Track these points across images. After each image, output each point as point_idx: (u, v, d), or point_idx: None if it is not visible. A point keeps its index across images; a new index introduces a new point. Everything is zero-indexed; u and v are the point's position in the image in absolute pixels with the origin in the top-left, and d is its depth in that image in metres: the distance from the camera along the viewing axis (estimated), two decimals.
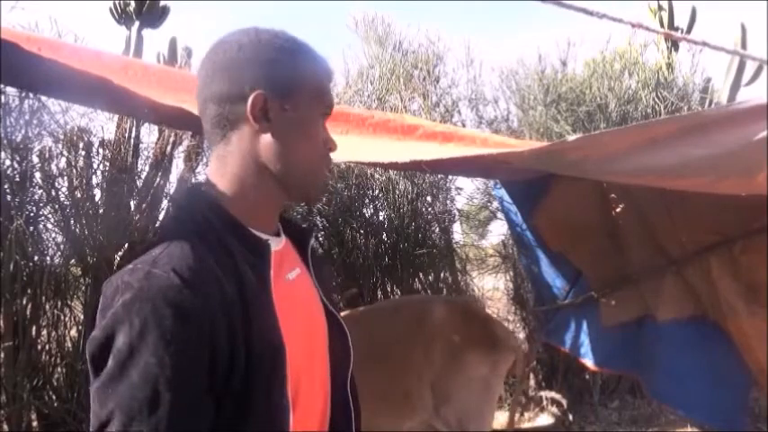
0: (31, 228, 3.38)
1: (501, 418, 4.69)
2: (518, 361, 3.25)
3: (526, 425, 4.68)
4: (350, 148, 2.20)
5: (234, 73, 0.96)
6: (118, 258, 3.66)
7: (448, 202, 5.12)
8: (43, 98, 3.34)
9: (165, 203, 3.96)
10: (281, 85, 0.97)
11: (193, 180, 3.61)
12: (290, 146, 0.98)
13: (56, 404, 3.43)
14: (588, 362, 3.64)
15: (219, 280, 0.88)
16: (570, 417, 4.71)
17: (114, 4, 4.75)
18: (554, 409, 4.79)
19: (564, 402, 4.74)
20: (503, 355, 3.10)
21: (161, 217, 3.93)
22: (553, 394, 4.81)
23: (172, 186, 3.98)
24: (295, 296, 1.03)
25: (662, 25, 5.89)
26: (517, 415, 4.67)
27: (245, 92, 0.95)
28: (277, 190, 1.00)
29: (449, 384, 2.93)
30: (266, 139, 0.97)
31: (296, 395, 0.96)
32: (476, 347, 3.01)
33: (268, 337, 0.91)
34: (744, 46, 5.62)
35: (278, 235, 1.07)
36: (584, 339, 3.63)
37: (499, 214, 4.92)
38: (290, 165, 0.99)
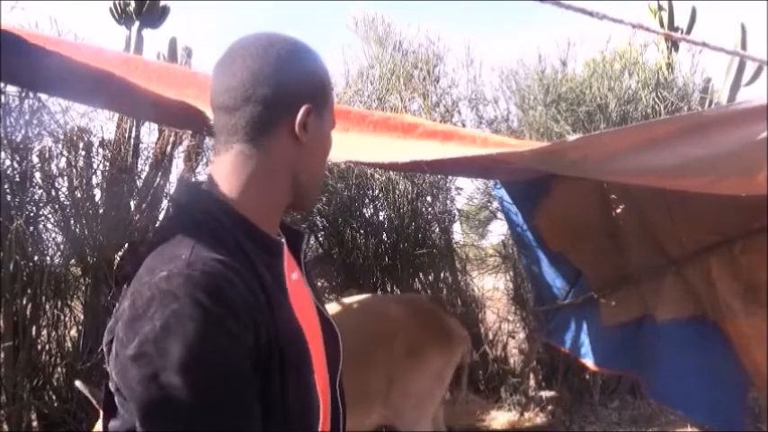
0: (31, 228, 3.38)
1: (501, 419, 4.69)
2: (466, 351, 3.43)
3: (526, 425, 4.67)
4: (350, 146, 2.20)
5: (283, 80, 0.96)
6: (118, 258, 3.66)
7: (448, 202, 5.12)
8: (43, 98, 3.34)
9: (165, 203, 3.96)
10: (319, 98, 1.00)
11: (193, 179, 3.61)
12: (316, 156, 1.03)
13: (56, 404, 3.43)
14: (588, 362, 3.64)
15: (246, 279, 0.88)
16: (570, 416, 4.71)
17: (114, 4, 4.74)
18: (551, 407, 4.79)
19: (561, 400, 4.74)
20: (456, 348, 3.30)
21: (161, 217, 3.93)
22: (552, 393, 4.81)
23: (172, 186, 3.98)
24: (301, 296, 1.04)
25: (662, 25, 5.89)
26: (517, 415, 4.68)
27: (294, 101, 0.97)
28: (290, 196, 1.02)
29: (406, 378, 3.08)
30: (301, 149, 0.99)
31: (322, 394, 1.00)
32: (432, 343, 3.18)
33: (293, 336, 0.93)
34: (744, 46, 5.62)
35: (279, 236, 1.07)
36: (585, 339, 3.63)
37: (499, 214, 4.91)
38: (315, 173, 1.05)
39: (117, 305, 0.93)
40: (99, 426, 2.28)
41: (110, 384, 0.91)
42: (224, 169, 0.98)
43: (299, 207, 1.07)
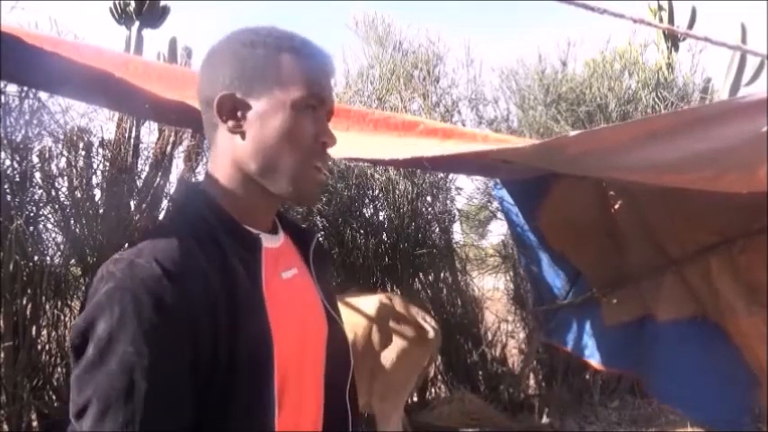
0: (31, 228, 3.38)
1: (497, 419, 4.68)
2: (438, 343, 3.70)
3: (520, 425, 4.67)
4: (350, 144, 2.20)
5: (209, 76, 0.97)
6: None
7: (448, 202, 5.12)
8: (43, 98, 3.34)
9: (165, 203, 3.96)
10: (249, 80, 0.94)
11: (192, 179, 3.61)
12: (263, 143, 0.94)
13: (56, 404, 3.43)
14: (593, 362, 3.63)
15: (205, 274, 0.87)
16: (565, 417, 4.71)
17: (114, 4, 4.74)
18: (546, 408, 4.79)
19: (555, 400, 4.74)
20: (431, 342, 3.54)
21: (161, 217, 3.93)
22: (547, 393, 4.81)
23: (172, 186, 3.98)
24: (289, 295, 1.01)
25: None
26: (513, 415, 4.67)
27: (214, 94, 0.95)
28: (263, 190, 0.97)
29: (385, 369, 3.32)
30: (239, 138, 0.95)
31: (281, 394, 0.93)
32: (414, 340, 3.40)
33: (255, 333, 0.89)
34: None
35: (275, 233, 1.05)
36: (588, 339, 3.62)
37: (499, 214, 4.92)
38: (265, 163, 0.95)
39: None
40: None
41: None
42: (207, 170, 1.02)
43: (291, 200, 1.03)
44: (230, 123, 0.95)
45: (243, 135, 0.95)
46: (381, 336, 3.34)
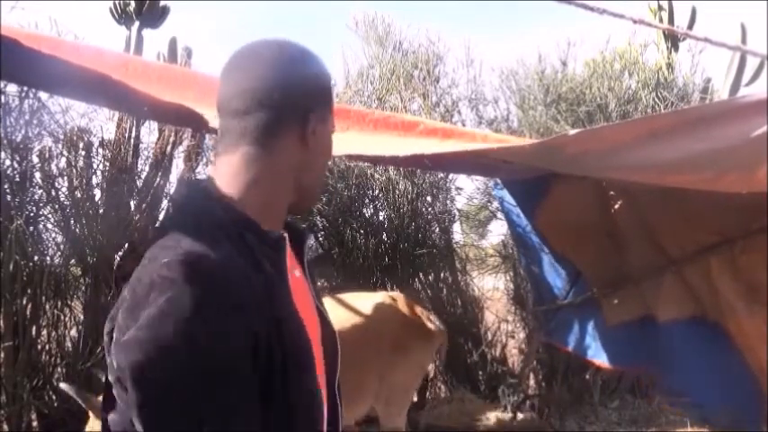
0: (31, 228, 3.38)
1: (495, 419, 4.69)
2: (444, 343, 3.65)
3: (519, 425, 4.67)
4: (350, 143, 2.20)
5: (294, 87, 1.00)
6: (118, 258, 3.66)
7: (448, 202, 5.12)
8: (43, 98, 3.34)
9: (165, 203, 3.96)
10: (325, 103, 1.05)
11: (192, 179, 3.62)
12: (319, 159, 1.06)
13: (56, 404, 3.43)
14: (598, 361, 3.63)
15: (248, 274, 0.90)
16: (565, 416, 4.71)
17: (114, 4, 4.74)
18: (546, 409, 4.79)
19: (554, 400, 4.73)
20: (435, 341, 3.52)
21: (161, 216, 3.93)
22: (547, 393, 4.80)
23: (172, 186, 3.98)
24: (301, 293, 1.05)
25: None
26: (510, 414, 4.67)
27: (303, 107, 1.00)
28: (292, 197, 1.04)
29: (393, 371, 3.26)
30: (307, 152, 1.02)
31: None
32: (415, 337, 3.36)
33: (296, 331, 0.94)
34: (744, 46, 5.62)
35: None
36: (591, 339, 3.62)
37: (499, 214, 4.91)
38: (316, 175, 1.07)
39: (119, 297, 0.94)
40: (90, 426, 2.28)
41: (109, 376, 0.90)
42: (229, 170, 1.00)
43: (298, 208, 1.08)
44: (309, 141, 1.02)
45: (311, 150, 1.02)
46: (389, 337, 3.24)
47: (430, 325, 3.45)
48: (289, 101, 0.99)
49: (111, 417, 0.92)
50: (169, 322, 0.80)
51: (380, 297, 3.45)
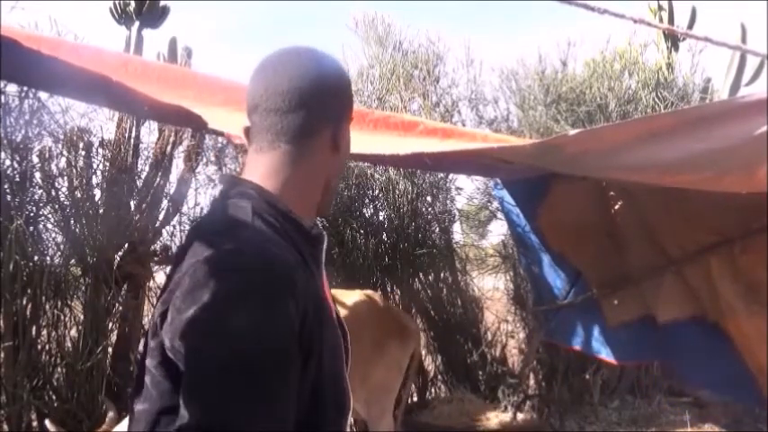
0: (31, 228, 3.38)
1: (495, 419, 4.69)
2: (419, 343, 3.64)
3: (519, 425, 4.67)
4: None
5: (333, 92, 1.07)
6: (118, 258, 3.66)
7: (448, 202, 5.12)
8: (43, 98, 3.34)
9: (165, 203, 3.96)
10: (349, 110, 1.11)
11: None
12: (342, 164, 1.13)
13: (56, 404, 3.43)
14: (607, 358, 3.64)
15: (300, 266, 0.95)
16: (564, 417, 4.71)
17: (114, 4, 4.74)
18: (546, 409, 4.79)
19: (554, 400, 4.73)
20: (411, 340, 3.50)
21: (161, 217, 3.93)
22: (547, 394, 4.80)
23: (172, 186, 3.98)
24: (327, 290, 1.13)
25: None
26: (510, 414, 4.68)
27: (336, 112, 1.07)
28: (319, 198, 1.09)
29: (372, 371, 3.23)
30: (336, 156, 1.08)
31: None
32: (392, 336, 3.35)
33: (332, 323, 1.00)
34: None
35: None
36: (595, 337, 3.63)
37: (499, 214, 4.91)
38: (337, 179, 1.14)
39: (164, 285, 0.97)
40: (120, 426, 2.28)
41: (150, 360, 0.92)
42: (269, 167, 1.03)
43: (320, 209, 1.12)
44: (338, 147, 1.07)
45: (339, 156, 1.08)
46: (367, 337, 3.21)
47: (406, 323, 3.45)
48: (325, 104, 1.05)
49: (140, 407, 0.93)
50: (231, 309, 0.84)
51: (356, 296, 3.40)
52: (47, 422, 2.47)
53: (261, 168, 1.03)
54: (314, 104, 1.03)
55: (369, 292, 3.60)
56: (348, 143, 1.10)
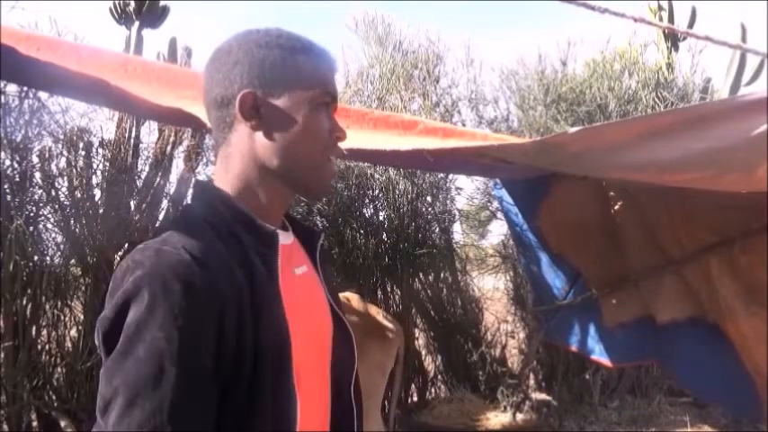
0: (31, 228, 3.37)
1: (495, 420, 4.69)
2: (402, 345, 3.52)
3: (519, 426, 4.67)
4: (349, 139, 2.18)
5: (225, 76, 0.99)
6: (118, 258, 3.66)
7: (448, 202, 5.12)
8: (43, 98, 3.34)
9: (165, 203, 3.96)
10: (269, 80, 0.98)
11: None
12: (286, 140, 0.98)
13: (56, 404, 3.42)
14: (603, 360, 3.63)
15: (229, 264, 0.89)
16: (563, 418, 4.71)
17: (114, 4, 4.74)
18: (545, 409, 4.79)
19: (554, 403, 4.73)
20: (393, 341, 3.41)
21: (161, 217, 3.93)
22: (544, 396, 4.80)
23: (172, 186, 3.98)
24: (301, 291, 1.03)
25: None
26: (510, 414, 4.67)
27: (236, 92, 0.97)
28: (281, 186, 1.01)
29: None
30: (261, 136, 0.98)
31: (297, 389, 0.94)
32: (373, 337, 3.26)
33: (276, 325, 0.92)
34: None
35: (285, 230, 1.07)
36: (594, 338, 3.62)
37: (499, 214, 4.92)
38: (289, 159, 0.99)
39: None
40: None
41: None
42: (216, 171, 1.03)
43: (304, 194, 1.07)
44: (253, 122, 0.98)
45: (265, 132, 0.98)
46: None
47: (386, 324, 3.40)
48: (224, 90, 0.99)
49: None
50: (133, 303, 0.82)
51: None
52: (60, 420, 2.43)
53: (217, 167, 1.03)
54: (220, 90, 0.99)
55: (347, 294, 3.56)
56: (284, 114, 0.98)
